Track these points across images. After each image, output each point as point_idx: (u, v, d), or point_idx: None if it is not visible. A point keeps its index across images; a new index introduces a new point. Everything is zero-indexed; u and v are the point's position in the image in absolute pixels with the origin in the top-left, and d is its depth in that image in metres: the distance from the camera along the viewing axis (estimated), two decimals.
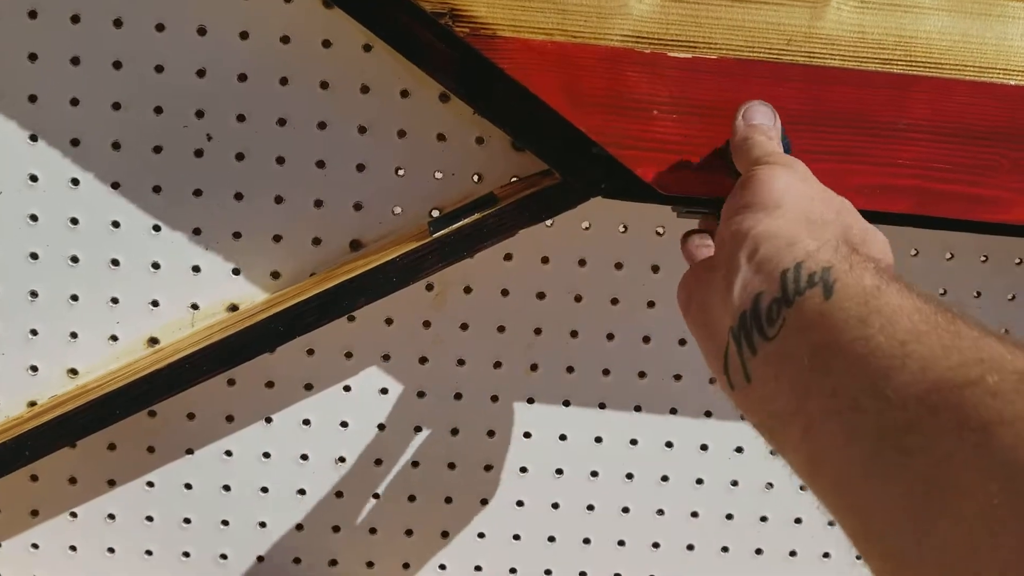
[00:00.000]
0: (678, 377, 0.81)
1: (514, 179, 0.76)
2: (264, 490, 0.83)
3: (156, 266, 0.75)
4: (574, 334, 0.80)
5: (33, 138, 0.72)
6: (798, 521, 0.86)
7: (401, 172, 0.75)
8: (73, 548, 0.83)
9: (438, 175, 0.76)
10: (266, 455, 0.82)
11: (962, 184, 0.65)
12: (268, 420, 0.80)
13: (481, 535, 0.85)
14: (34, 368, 0.78)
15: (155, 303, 0.76)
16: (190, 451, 0.81)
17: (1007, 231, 0.67)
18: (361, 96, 0.73)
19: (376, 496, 0.83)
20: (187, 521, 0.83)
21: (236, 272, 0.76)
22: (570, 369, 0.81)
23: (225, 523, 0.83)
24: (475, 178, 0.76)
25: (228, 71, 0.71)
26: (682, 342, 0.80)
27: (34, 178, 0.73)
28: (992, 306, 0.79)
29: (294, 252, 0.76)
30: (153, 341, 0.77)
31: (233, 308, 0.77)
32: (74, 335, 0.77)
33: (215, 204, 0.74)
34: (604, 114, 0.64)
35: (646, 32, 0.63)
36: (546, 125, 0.66)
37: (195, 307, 0.77)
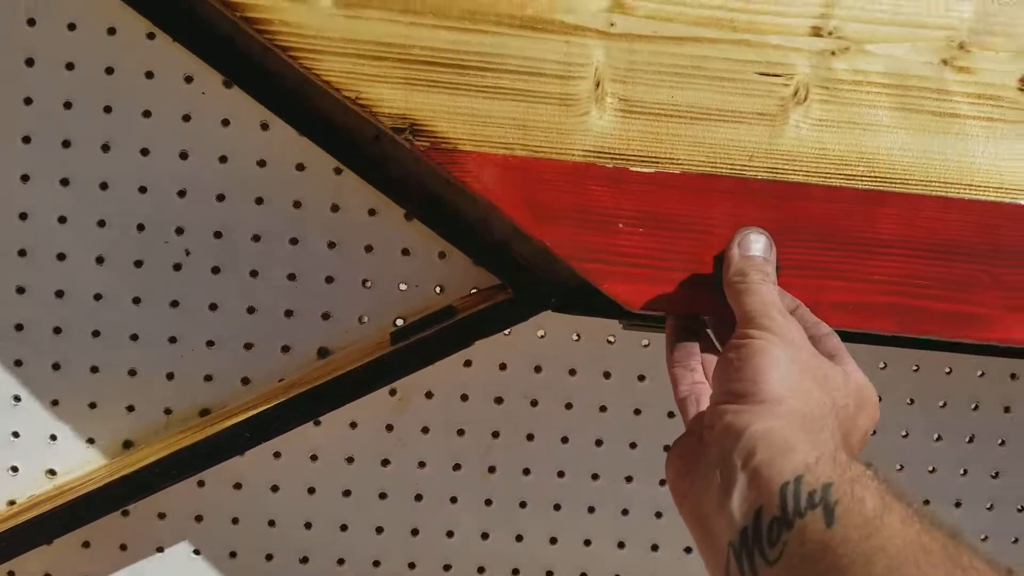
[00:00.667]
0: (629, 479, 0.85)
1: (473, 291, 0.81)
2: None
3: (132, 372, 0.80)
4: (530, 437, 0.84)
5: (22, 253, 0.77)
6: None
7: (368, 284, 0.80)
8: None
9: (403, 287, 0.81)
10: (232, 554, 0.84)
11: (944, 301, 0.64)
12: (235, 521, 0.83)
13: None
14: (14, 469, 0.81)
15: (131, 408, 0.80)
16: (160, 549, 0.84)
17: (994, 351, 0.66)
18: (331, 214, 0.79)
19: None
20: None
21: (208, 379, 0.80)
22: (526, 471, 0.84)
23: None
24: (437, 289, 0.81)
25: (207, 191, 0.77)
26: (633, 445, 0.84)
27: (21, 290, 0.78)
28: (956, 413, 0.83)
29: (264, 359, 0.80)
30: (128, 444, 0.81)
31: (205, 412, 0.81)
32: (53, 437, 0.80)
33: (191, 313, 0.79)
34: (568, 228, 0.64)
35: (608, 148, 0.64)
36: (498, 247, 0.72)
37: (168, 411, 0.81)
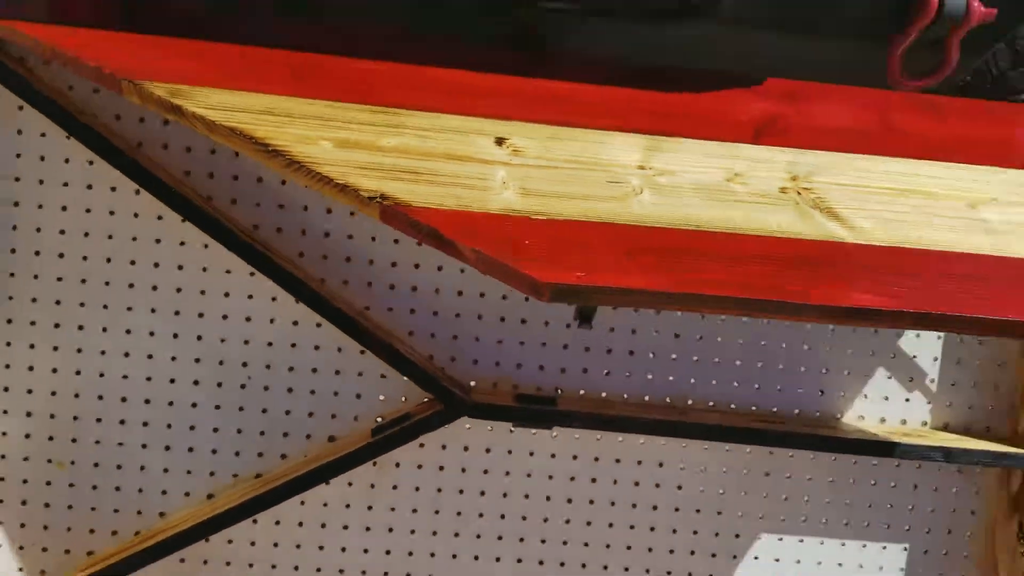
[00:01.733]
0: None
1: (425, 399, 1.31)
2: None
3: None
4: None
5: None
6: None
7: (339, 395, 1.31)
8: None
9: (381, 397, 1.31)
10: None
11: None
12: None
13: None
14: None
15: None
16: None
17: None
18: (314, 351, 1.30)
19: None
20: None
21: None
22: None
23: None
24: (403, 399, 1.31)
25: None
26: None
27: None
28: None
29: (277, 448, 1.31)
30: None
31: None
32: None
33: None
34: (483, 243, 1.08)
35: (515, 208, 1.09)
36: (430, 375, 1.23)
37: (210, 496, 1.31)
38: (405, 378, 1.28)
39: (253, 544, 1.33)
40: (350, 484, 1.32)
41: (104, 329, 1.28)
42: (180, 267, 1.27)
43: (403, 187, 1.05)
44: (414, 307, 1.31)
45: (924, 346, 1.38)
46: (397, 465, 1.33)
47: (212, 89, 1.07)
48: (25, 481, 1.31)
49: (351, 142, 1.08)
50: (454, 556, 1.35)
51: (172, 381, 1.30)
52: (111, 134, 1.22)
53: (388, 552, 1.34)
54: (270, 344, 1.29)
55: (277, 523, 1.33)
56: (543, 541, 1.36)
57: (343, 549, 1.34)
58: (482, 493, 1.34)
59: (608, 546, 1.38)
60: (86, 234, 1.26)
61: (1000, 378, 1.40)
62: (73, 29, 1.11)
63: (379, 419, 1.31)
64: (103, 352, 1.28)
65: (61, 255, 1.26)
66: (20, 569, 1.32)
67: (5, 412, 1.29)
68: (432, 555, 1.35)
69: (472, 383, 1.32)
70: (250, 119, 1.05)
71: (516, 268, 0.99)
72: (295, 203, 1.28)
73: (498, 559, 1.36)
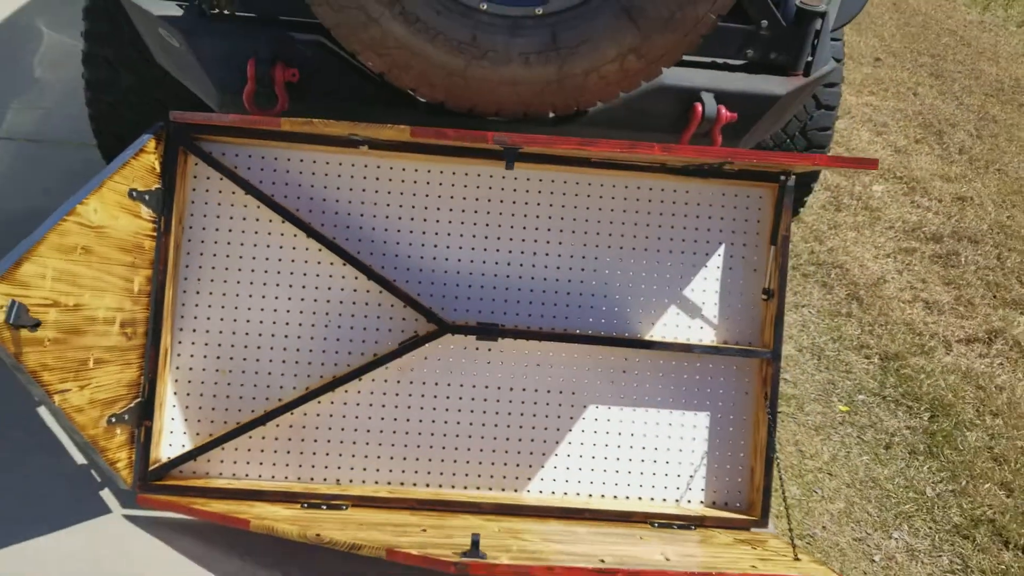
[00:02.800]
0: None
1: (425, 325, 2.35)
2: None
3: None
4: None
5: None
6: None
7: None
8: None
9: (401, 329, 2.36)
10: None
11: None
12: None
13: None
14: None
15: None
16: None
17: None
18: None
19: None
20: None
21: None
22: None
23: None
24: (415, 328, 2.36)
25: None
26: None
27: None
28: None
29: None
30: None
31: None
32: None
33: None
34: None
35: None
36: (431, 310, 2.28)
37: None
38: (416, 315, 2.33)
39: (335, 416, 2.34)
40: (385, 381, 2.34)
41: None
42: (292, 260, 2.33)
43: None
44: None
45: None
46: (411, 370, 2.35)
47: None
48: (203, 382, 2.33)
49: None
50: (447, 409, 2.37)
51: (286, 323, 2.33)
52: None
53: (407, 418, 2.36)
54: (329, 295, 2.34)
55: (344, 403, 2.34)
56: (486, 401, 2.39)
57: (382, 418, 2.36)
58: (460, 384, 2.37)
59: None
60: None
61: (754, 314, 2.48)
62: None
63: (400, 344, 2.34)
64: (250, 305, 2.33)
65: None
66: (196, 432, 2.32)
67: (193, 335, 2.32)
68: (433, 409, 2.37)
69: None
70: None
71: None
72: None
73: (470, 415, 2.37)
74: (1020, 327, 3.69)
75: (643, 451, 2.45)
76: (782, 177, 2.41)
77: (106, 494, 2.29)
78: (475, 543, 1.87)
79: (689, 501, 2.46)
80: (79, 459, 2.37)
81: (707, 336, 2.49)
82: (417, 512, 2.29)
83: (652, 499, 2.45)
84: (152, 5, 2.44)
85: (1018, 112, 5.87)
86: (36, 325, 1.79)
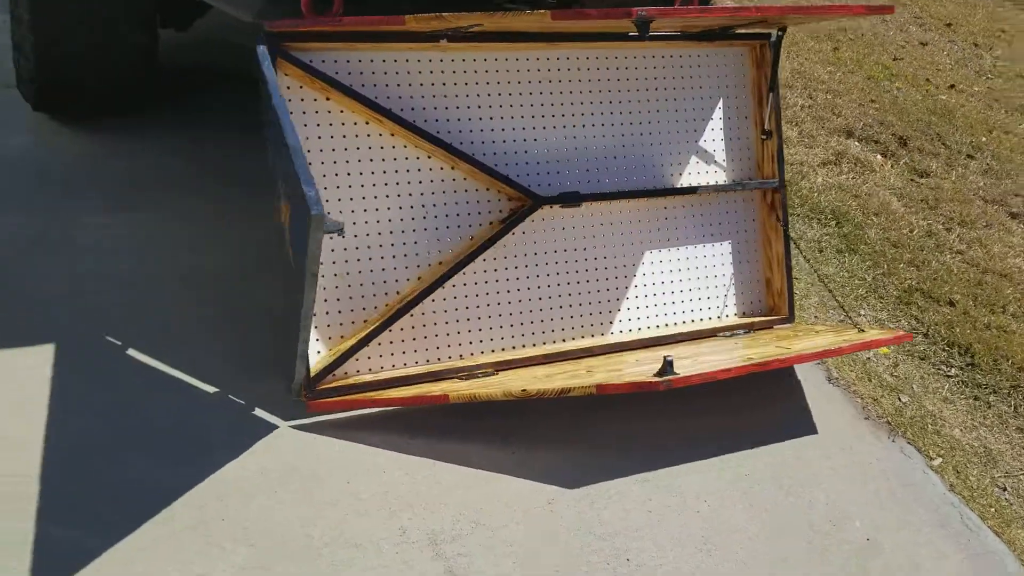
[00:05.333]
0: None
1: (520, 201, 2.57)
2: None
3: None
4: None
5: None
6: None
7: None
8: None
9: (497, 209, 2.56)
10: None
11: None
12: None
13: None
14: None
15: None
16: None
17: None
18: None
19: None
20: None
21: None
22: None
23: None
24: (507, 206, 2.57)
25: None
26: None
27: None
28: None
29: None
30: None
31: None
32: None
33: None
34: None
35: None
36: (526, 187, 2.51)
37: None
38: (500, 195, 2.53)
39: (455, 298, 2.51)
40: (494, 259, 2.54)
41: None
42: (383, 159, 2.42)
43: None
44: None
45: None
46: (506, 245, 2.57)
47: None
48: (324, 288, 2.38)
49: None
50: (546, 275, 2.63)
51: (388, 220, 2.44)
52: None
53: (516, 288, 2.59)
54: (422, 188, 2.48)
55: (464, 284, 2.51)
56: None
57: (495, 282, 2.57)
58: (552, 240, 2.64)
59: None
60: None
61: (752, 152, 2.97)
62: None
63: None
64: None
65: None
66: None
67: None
68: (536, 276, 2.62)
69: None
70: None
71: None
72: None
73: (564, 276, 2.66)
74: (854, 148, 4.57)
75: (690, 281, 2.90)
76: (779, 32, 2.87)
77: (263, 414, 2.31)
78: (670, 363, 2.22)
79: (728, 316, 2.96)
80: (215, 392, 2.35)
81: (722, 177, 2.95)
82: (548, 364, 2.57)
83: (708, 319, 2.91)
84: None
85: None
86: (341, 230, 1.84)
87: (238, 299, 2.68)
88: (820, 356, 2.45)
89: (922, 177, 4.46)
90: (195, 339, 2.51)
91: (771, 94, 2.91)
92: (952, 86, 5.84)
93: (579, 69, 2.71)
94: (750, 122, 2.98)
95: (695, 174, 2.90)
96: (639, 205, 2.80)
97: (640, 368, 2.37)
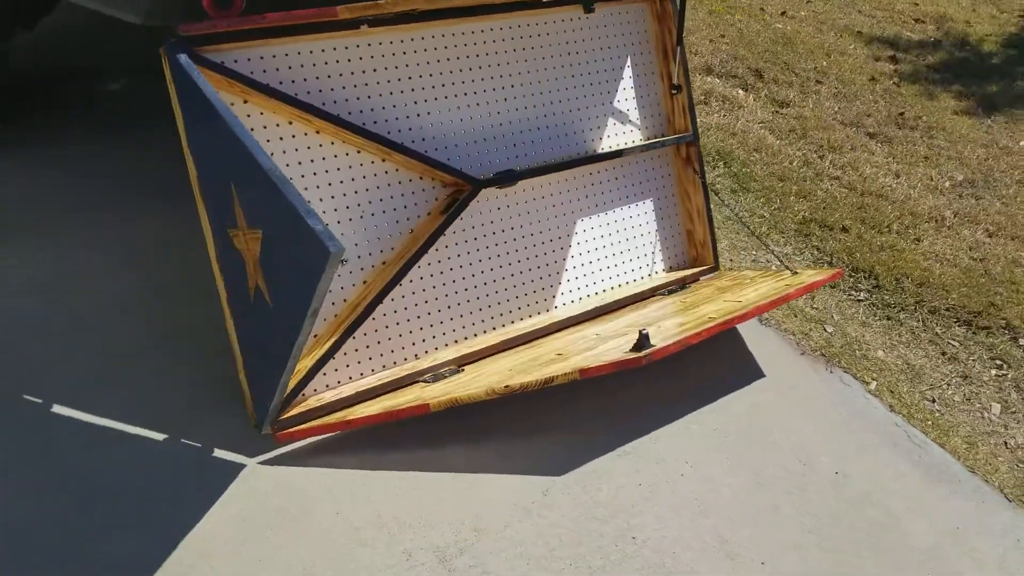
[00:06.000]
0: None
1: (460, 186, 2.46)
2: None
3: None
4: None
5: None
6: None
7: None
8: None
9: (438, 195, 2.43)
10: None
11: None
12: None
13: None
14: None
15: None
16: None
17: None
18: None
19: None
20: None
21: None
22: None
23: None
24: (444, 192, 2.44)
25: None
26: None
27: None
28: None
29: None
30: None
31: None
32: None
33: None
34: None
35: None
36: (466, 173, 2.39)
37: None
38: (434, 183, 2.41)
39: (403, 297, 2.38)
40: (436, 250, 2.43)
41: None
42: (311, 160, 2.23)
43: None
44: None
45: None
46: (451, 232, 2.46)
47: None
48: None
49: None
50: (489, 257, 2.55)
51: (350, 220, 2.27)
52: None
53: (464, 276, 2.49)
54: (356, 185, 2.32)
55: (411, 281, 2.38)
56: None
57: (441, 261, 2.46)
58: (491, 222, 2.54)
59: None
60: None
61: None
62: None
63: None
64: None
65: None
66: None
67: None
68: (479, 261, 2.52)
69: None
70: None
71: None
72: None
73: (507, 256, 2.58)
74: (717, 85, 4.70)
75: (621, 244, 2.89)
76: None
77: (225, 454, 2.11)
78: (646, 337, 2.20)
79: (658, 273, 2.99)
80: (165, 439, 2.12)
81: (639, 136, 2.94)
82: (518, 348, 2.50)
83: (640, 278, 2.92)
84: None
85: None
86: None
87: (169, 332, 2.43)
88: (774, 305, 2.52)
89: (783, 108, 4.66)
90: (130, 380, 2.26)
91: (678, 48, 2.91)
92: (783, 12, 6.10)
93: (493, 41, 2.59)
94: (657, 77, 2.98)
95: (613, 136, 2.87)
96: (568, 175, 2.75)
97: (610, 344, 2.34)
